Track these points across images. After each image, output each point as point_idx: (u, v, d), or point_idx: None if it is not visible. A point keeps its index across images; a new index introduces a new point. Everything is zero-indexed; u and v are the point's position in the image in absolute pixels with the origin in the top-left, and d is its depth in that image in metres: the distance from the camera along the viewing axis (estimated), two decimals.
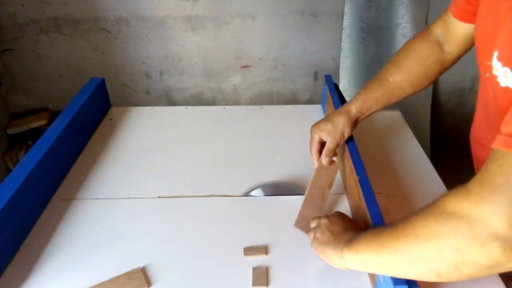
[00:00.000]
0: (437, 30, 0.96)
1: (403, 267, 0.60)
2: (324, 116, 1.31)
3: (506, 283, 0.77)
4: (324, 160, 0.95)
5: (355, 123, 0.96)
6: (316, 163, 0.97)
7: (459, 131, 2.11)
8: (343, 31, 2.09)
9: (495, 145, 0.51)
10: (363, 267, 0.68)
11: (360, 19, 2.05)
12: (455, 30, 0.91)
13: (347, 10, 2.04)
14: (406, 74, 0.95)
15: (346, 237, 0.72)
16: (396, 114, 1.32)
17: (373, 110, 0.97)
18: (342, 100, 1.17)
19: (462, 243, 0.53)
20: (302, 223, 0.88)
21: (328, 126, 0.95)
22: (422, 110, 2.14)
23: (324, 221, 0.79)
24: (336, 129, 0.94)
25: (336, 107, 1.09)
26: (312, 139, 0.98)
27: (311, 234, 0.79)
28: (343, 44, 2.10)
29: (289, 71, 2.23)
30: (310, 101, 2.29)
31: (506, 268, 0.52)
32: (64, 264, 0.82)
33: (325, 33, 2.14)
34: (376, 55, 2.10)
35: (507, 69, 0.62)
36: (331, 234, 0.75)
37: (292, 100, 2.30)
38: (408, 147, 1.18)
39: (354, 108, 0.95)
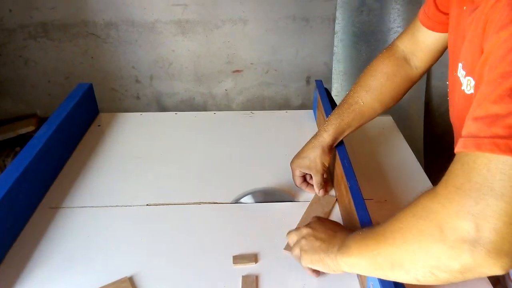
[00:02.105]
0: (403, 44, 0.96)
1: (386, 270, 0.61)
2: (315, 120, 1.31)
3: (494, 285, 0.77)
4: (320, 193, 0.98)
5: (330, 149, 0.97)
6: (309, 192, 1.00)
7: (452, 136, 2.13)
8: (335, 35, 2.09)
9: (456, 149, 0.52)
10: (357, 270, 0.68)
11: (352, 23, 2.06)
12: (424, 42, 0.92)
13: (339, 14, 2.05)
14: (376, 96, 0.95)
15: (337, 241, 0.72)
16: (388, 119, 1.32)
17: (346, 134, 0.98)
18: (333, 105, 1.16)
19: (432, 245, 0.53)
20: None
21: (306, 163, 0.97)
22: (415, 115, 2.14)
23: (307, 231, 0.78)
24: (315, 164, 0.96)
25: (326, 113, 1.09)
26: (293, 175, 1.00)
27: (296, 250, 0.78)
28: (335, 48, 2.11)
29: (281, 76, 2.23)
30: (303, 106, 2.29)
31: (477, 273, 0.51)
32: (50, 273, 0.80)
33: (317, 38, 2.14)
34: (368, 59, 2.10)
35: (470, 78, 0.64)
36: (321, 242, 0.75)
37: (284, 105, 2.30)
38: (399, 152, 1.17)
39: (327, 136, 0.96)
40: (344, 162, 0.93)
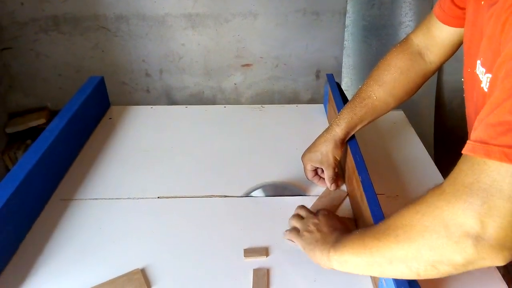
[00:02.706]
0: (418, 39, 0.95)
1: (384, 267, 0.62)
2: (325, 115, 1.30)
3: (508, 283, 0.76)
4: (331, 187, 0.98)
5: (342, 143, 0.97)
6: (320, 186, 1.00)
7: (463, 131, 2.12)
8: (345, 29, 2.08)
9: (464, 151, 0.54)
10: (348, 268, 0.69)
11: (363, 17, 2.04)
12: (439, 36, 0.91)
13: (349, 8, 2.03)
14: (389, 90, 0.94)
15: (333, 239, 0.74)
16: (400, 114, 1.31)
17: (358, 128, 0.97)
18: (344, 99, 1.16)
19: (437, 242, 0.54)
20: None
21: (318, 157, 0.96)
22: (426, 110, 2.13)
23: (313, 221, 0.80)
24: (327, 158, 0.96)
25: (338, 107, 1.08)
26: (305, 169, 1.00)
27: (294, 231, 0.81)
28: (345, 42, 2.09)
29: (291, 70, 2.22)
30: (312, 100, 2.28)
31: (480, 265, 0.53)
32: (62, 265, 0.81)
33: (327, 32, 2.13)
34: (379, 53, 2.08)
35: (490, 75, 0.63)
36: (320, 235, 0.77)
37: (294, 99, 2.29)
38: (411, 147, 1.16)
39: (339, 131, 0.96)
40: (356, 156, 0.93)
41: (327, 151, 0.95)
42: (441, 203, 0.54)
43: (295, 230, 0.82)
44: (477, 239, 0.51)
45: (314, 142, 0.99)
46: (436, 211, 0.55)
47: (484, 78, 0.65)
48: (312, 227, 0.79)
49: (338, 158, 0.96)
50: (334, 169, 0.97)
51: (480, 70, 0.67)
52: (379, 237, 0.62)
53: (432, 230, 0.55)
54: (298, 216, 0.85)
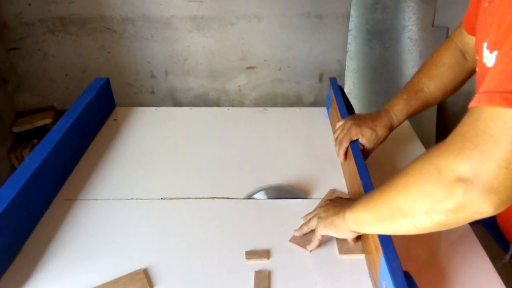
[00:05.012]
0: (457, 39, 1.00)
1: (387, 220, 0.65)
2: (328, 118, 1.31)
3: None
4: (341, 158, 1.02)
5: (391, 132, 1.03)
6: (341, 154, 1.02)
7: None
8: (349, 33, 2.09)
9: (470, 104, 0.55)
10: (362, 227, 0.73)
11: (366, 21, 2.05)
12: (469, 43, 0.96)
13: (353, 12, 2.04)
14: (438, 84, 0.99)
15: (349, 204, 0.77)
16: None
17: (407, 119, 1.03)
18: (346, 103, 1.16)
19: (430, 187, 0.57)
20: (299, 239, 0.87)
21: (372, 135, 1.00)
22: (428, 113, 2.13)
23: (324, 204, 0.85)
24: (377, 140, 1.01)
25: (340, 110, 1.09)
26: (348, 136, 1.00)
27: (313, 220, 0.84)
28: (348, 46, 2.10)
29: (294, 73, 2.23)
30: (315, 103, 2.29)
31: (470, 212, 0.54)
32: (66, 265, 0.82)
33: (331, 35, 2.13)
34: (382, 57, 2.09)
35: (496, 52, 0.64)
36: (335, 208, 0.80)
37: (297, 101, 2.30)
38: (413, 151, 1.17)
39: (397, 123, 1.01)
40: (358, 160, 0.93)
41: (382, 136, 1.00)
42: (440, 151, 0.57)
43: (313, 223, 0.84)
44: (467, 182, 0.52)
45: (370, 119, 1.01)
46: (433, 159, 0.57)
47: (492, 57, 0.66)
48: (325, 207, 0.82)
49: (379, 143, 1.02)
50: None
51: (486, 52, 0.68)
52: (385, 189, 0.66)
53: (426, 177, 0.57)
54: (310, 218, 0.87)
